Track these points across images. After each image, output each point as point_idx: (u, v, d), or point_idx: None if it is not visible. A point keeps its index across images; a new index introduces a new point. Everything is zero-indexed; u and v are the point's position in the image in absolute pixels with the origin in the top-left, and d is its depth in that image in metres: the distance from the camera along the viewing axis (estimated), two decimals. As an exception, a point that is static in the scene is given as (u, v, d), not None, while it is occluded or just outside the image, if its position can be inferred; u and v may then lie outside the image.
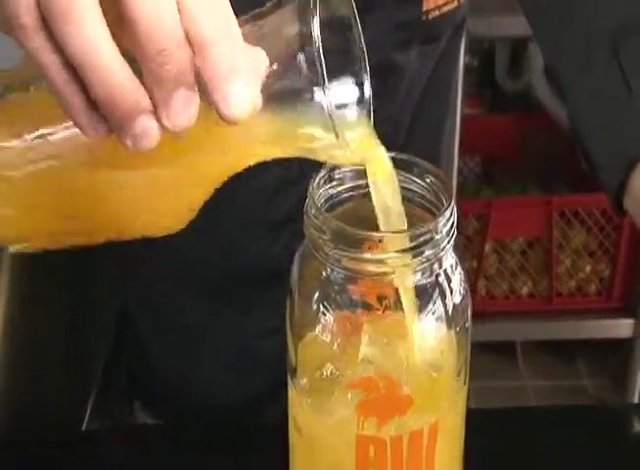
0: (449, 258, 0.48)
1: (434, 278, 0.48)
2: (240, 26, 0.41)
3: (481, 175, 1.75)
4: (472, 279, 1.57)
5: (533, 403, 1.63)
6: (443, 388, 0.49)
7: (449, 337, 0.49)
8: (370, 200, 0.51)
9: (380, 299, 0.48)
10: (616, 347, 1.63)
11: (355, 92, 0.46)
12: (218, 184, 0.48)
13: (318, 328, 0.49)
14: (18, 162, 0.46)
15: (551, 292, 1.60)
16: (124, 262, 0.82)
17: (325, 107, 0.41)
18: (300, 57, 0.41)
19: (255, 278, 0.82)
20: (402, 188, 0.51)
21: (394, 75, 0.78)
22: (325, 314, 0.48)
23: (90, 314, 0.88)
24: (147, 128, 0.40)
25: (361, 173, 0.51)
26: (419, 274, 0.47)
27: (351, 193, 0.51)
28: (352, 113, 0.47)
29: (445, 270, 0.48)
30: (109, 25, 0.39)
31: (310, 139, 0.44)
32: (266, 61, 0.42)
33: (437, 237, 0.47)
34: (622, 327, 1.60)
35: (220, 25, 0.40)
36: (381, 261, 0.46)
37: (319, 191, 0.49)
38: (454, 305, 0.49)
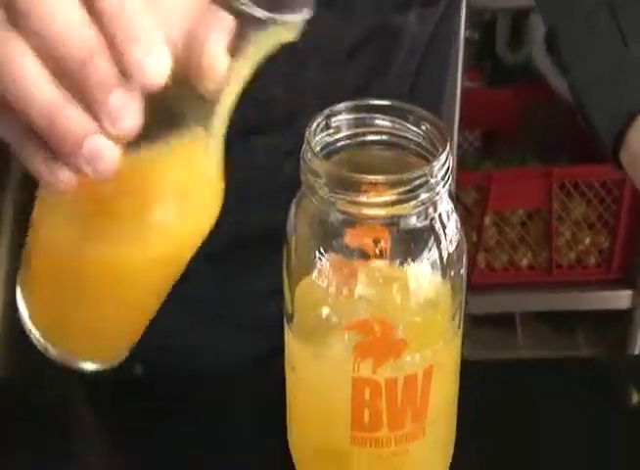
0: (444, 204, 0.49)
1: (428, 222, 0.48)
2: None
3: (481, 149, 1.75)
4: (471, 252, 1.58)
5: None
6: (438, 331, 0.50)
7: (444, 281, 0.50)
8: (366, 149, 0.51)
9: (375, 242, 0.48)
10: (615, 318, 1.63)
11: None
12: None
13: (314, 273, 0.49)
14: None
15: (550, 264, 1.60)
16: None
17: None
18: None
19: (257, 243, 0.82)
20: (398, 136, 0.51)
21: (393, 38, 0.78)
22: (321, 259, 0.49)
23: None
24: (98, 148, 0.41)
25: (358, 122, 0.51)
26: (414, 218, 0.47)
27: (348, 141, 0.51)
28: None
29: (440, 215, 0.48)
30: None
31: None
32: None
33: (432, 181, 0.47)
34: (621, 298, 1.61)
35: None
36: (376, 204, 0.46)
37: (316, 138, 0.50)
38: (449, 250, 0.49)
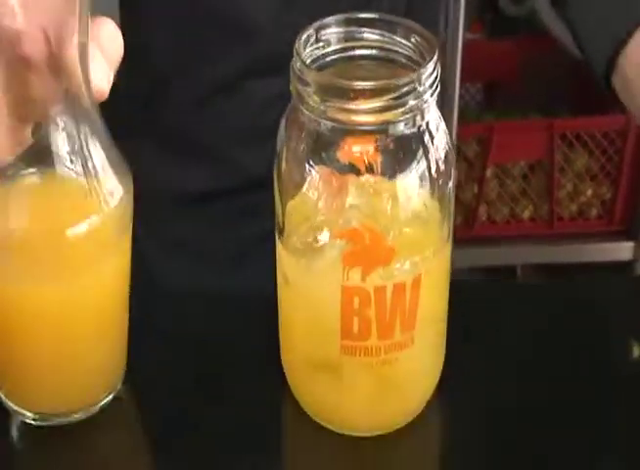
0: (432, 112, 0.49)
1: (417, 130, 0.48)
2: None
3: (483, 101, 1.74)
4: (473, 204, 1.58)
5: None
6: (427, 241, 0.50)
7: (432, 192, 0.50)
8: (355, 63, 0.51)
9: (365, 154, 0.48)
10: (616, 270, 1.63)
11: None
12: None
13: (305, 185, 0.50)
14: None
15: (552, 216, 1.60)
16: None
17: None
18: None
19: (249, 186, 0.83)
20: (388, 50, 0.51)
21: None
22: (311, 171, 0.49)
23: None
24: None
25: (347, 36, 0.51)
26: (402, 124, 0.47)
27: (337, 55, 0.51)
28: None
29: (428, 124, 0.49)
30: None
31: None
32: None
33: (420, 88, 0.47)
34: (623, 250, 1.61)
35: None
36: (364, 111, 0.47)
37: (305, 50, 0.50)
38: (438, 161, 0.50)
